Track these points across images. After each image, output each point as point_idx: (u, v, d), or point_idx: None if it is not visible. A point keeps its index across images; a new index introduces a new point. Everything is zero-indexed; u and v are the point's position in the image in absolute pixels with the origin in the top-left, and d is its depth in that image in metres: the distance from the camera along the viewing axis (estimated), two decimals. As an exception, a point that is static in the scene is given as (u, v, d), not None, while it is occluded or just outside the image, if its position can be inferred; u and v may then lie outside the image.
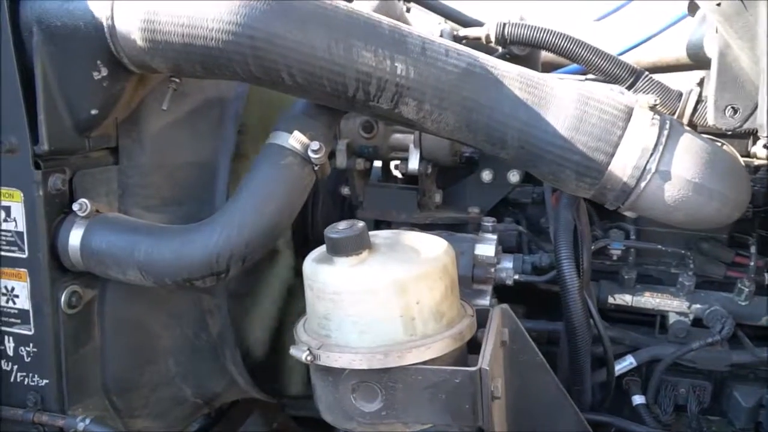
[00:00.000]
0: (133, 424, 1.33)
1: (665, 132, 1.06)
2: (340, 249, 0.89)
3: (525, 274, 1.34)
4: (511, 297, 1.48)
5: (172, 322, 1.34)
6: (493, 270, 1.29)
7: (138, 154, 1.23)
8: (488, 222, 1.36)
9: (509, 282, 1.31)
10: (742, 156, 1.49)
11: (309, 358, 0.90)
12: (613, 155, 1.05)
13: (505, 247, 1.42)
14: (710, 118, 1.14)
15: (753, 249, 1.31)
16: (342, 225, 0.92)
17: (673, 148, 1.05)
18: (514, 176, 1.48)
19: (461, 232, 1.42)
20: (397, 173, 1.67)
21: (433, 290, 0.90)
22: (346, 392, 0.90)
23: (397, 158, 1.45)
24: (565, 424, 1.10)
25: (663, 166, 1.05)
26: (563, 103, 1.07)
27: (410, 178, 1.62)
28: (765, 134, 0.95)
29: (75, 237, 1.11)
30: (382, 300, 0.88)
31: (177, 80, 1.14)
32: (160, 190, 1.28)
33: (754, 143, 1.54)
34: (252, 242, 1.08)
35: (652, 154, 1.04)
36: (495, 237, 1.32)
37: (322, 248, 0.96)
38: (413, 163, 1.38)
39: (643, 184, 1.06)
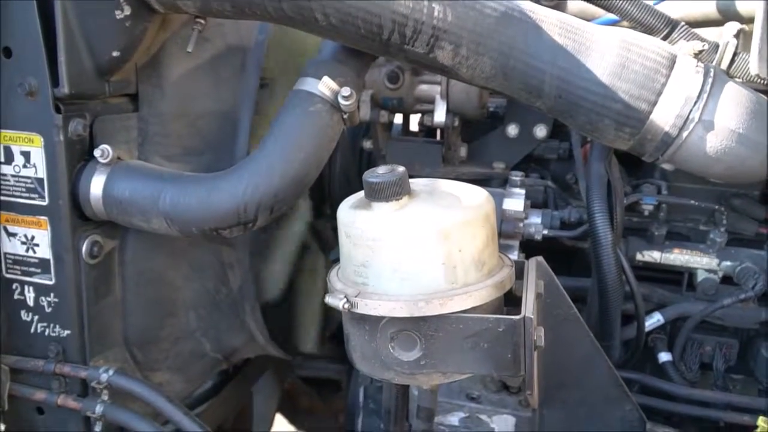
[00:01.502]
0: (153, 376, 1.31)
1: (710, 80, 1.02)
2: (379, 194, 0.86)
3: (554, 229, 1.31)
4: (536, 254, 1.46)
5: (193, 275, 1.32)
6: (521, 225, 1.26)
7: (159, 101, 1.19)
8: (517, 176, 1.33)
9: (538, 237, 1.28)
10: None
11: (347, 306, 0.87)
12: (655, 104, 1.02)
13: (531, 203, 1.39)
14: (753, 67, 1.10)
15: (788, 205, 1.28)
16: (381, 169, 0.88)
17: (718, 97, 1.02)
18: (540, 131, 1.45)
19: (488, 187, 1.39)
20: (415, 128, 1.64)
21: (475, 238, 0.87)
22: (384, 341, 0.88)
23: (423, 111, 1.41)
24: (598, 378, 1.09)
25: (707, 116, 1.01)
26: (604, 49, 1.03)
27: (431, 133, 1.58)
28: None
29: (97, 184, 1.08)
30: (424, 247, 0.85)
31: (202, 21, 1.10)
32: (181, 139, 1.24)
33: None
34: (280, 192, 1.05)
35: (696, 103, 1.01)
36: (523, 191, 1.29)
37: (359, 194, 0.93)
38: (440, 116, 1.34)
39: (685, 134, 1.02)
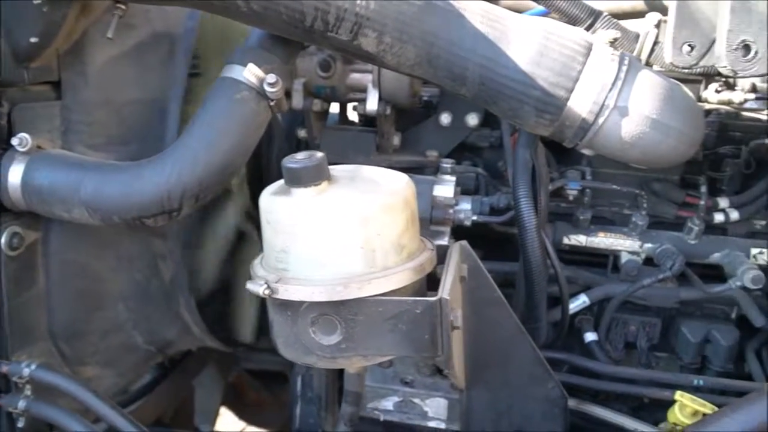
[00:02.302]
0: (83, 371, 1.29)
1: (624, 68, 1.05)
2: (298, 179, 0.87)
3: (483, 215, 1.34)
4: (469, 240, 1.49)
5: (121, 266, 1.30)
6: (451, 211, 1.28)
7: (82, 89, 1.17)
8: (447, 164, 1.35)
9: (467, 223, 1.30)
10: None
11: (267, 292, 0.87)
12: (572, 90, 1.05)
13: (463, 190, 1.41)
14: (667, 55, 1.15)
15: (703, 189, 1.34)
16: (300, 155, 0.89)
17: (632, 83, 1.05)
18: (472, 119, 1.47)
19: (419, 175, 1.40)
20: (354, 119, 1.64)
21: (394, 222, 0.89)
22: (305, 326, 0.89)
23: (355, 99, 1.41)
24: (522, 358, 1.12)
25: (621, 102, 1.05)
26: (524, 37, 1.05)
27: (368, 123, 1.59)
28: (723, 64, 0.95)
29: (15, 173, 1.05)
30: (342, 232, 0.86)
31: (122, 7, 1.08)
32: (106, 128, 1.22)
33: (706, 87, 1.57)
34: (205, 179, 1.05)
35: (610, 90, 1.04)
36: (453, 178, 1.31)
37: (280, 181, 0.93)
38: (372, 104, 1.35)
39: (601, 120, 1.06)
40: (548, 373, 1.13)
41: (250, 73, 1.06)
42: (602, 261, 1.44)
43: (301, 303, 0.88)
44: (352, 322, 0.87)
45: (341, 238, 0.86)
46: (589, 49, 1.06)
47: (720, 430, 1.03)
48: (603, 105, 1.05)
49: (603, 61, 1.05)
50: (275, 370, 2.35)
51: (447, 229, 1.30)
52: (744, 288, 1.29)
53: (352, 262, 0.87)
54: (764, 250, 1.36)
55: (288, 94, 1.39)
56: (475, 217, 1.31)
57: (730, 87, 1.56)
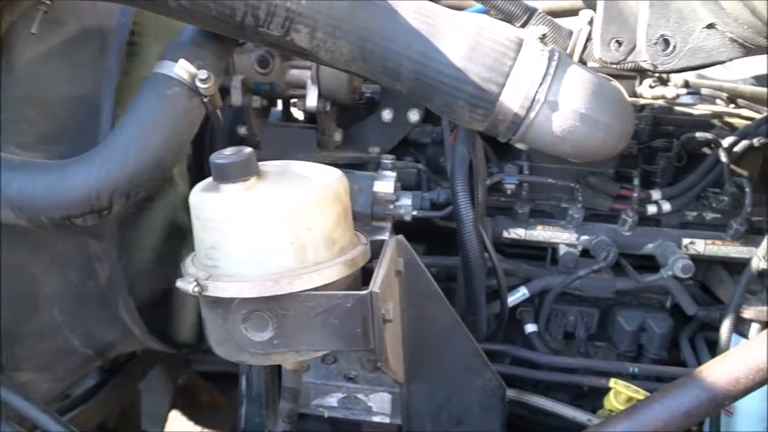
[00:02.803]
0: (18, 377, 1.26)
1: (554, 63, 1.08)
2: (226, 175, 0.86)
3: (423, 210, 1.35)
4: (414, 235, 1.50)
5: (56, 268, 1.27)
6: (391, 206, 1.29)
7: (9, 86, 1.14)
8: (387, 160, 1.35)
9: (407, 218, 1.31)
10: (629, 96, 1.56)
11: (196, 289, 0.87)
12: (503, 86, 1.07)
13: (405, 186, 1.42)
14: (596, 51, 1.18)
15: (636, 182, 1.37)
16: (228, 151, 0.88)
17: (561, 78, 1.08)
18: (414, 115, 1.48)
19: (361, 171, 1.41)
20: (299, 116, 1.63)
21: (324, 217, 0.89)
22: (237, 323, 0.88)
23: (295, 96, 1.41)
24: (459, 350, 1.13)
25: (551, 97, 1.07)
26: (457, 33, 1.07)
27: (311, 120, 1.58)
28: (643, 59, 0.98)
29: (-64, 174, 1.02)
30: (271, 227, 0.86)
31: (47, 2, 1.05)
32: (36, 126, 1.19)
33: (641, 83, 1.62)
34: (136, 177, 1.03)
35: (540, 85, 1.06)
36: (394, 174, 1.32)
37: (210, 178, 0.92)
38: (311, 100, 1.34)
39: (532, 115, 1.08)
40: (485, 364, 1.14)
41: (182, 69, 1.05)
42: (542, 254, 1.47)
43: (232, 300, 0.87)
44: (283, 318, 0.87)
45: (270, 233, 0.86)
46: (519, 45, 1.08)
47: (649, 415, 1.07)
48: (534, 100, 1.07)
49: (533, 57, 1.07)
50: (228, 372, 2.32)
51: (388, 225, 1.31)
52: (675, 277, 1.33)
53: (283, 258, 0.87)
54: (695, 240, 1.40)
55: (227, 91, 1.38)
56: (415, 212, 1.32)
57: (663, 82, 1.61)
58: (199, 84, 1.05)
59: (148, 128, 1.04)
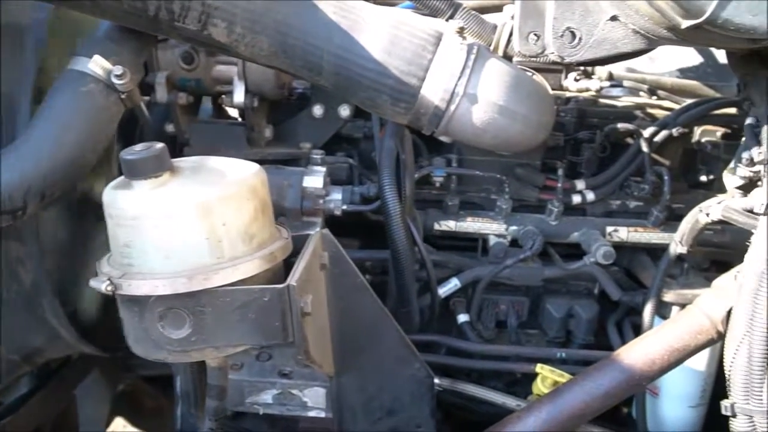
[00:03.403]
0: (-63, 385, 1.21)
1: (472, 56, 1.09)
2: (137, 171, 0.85)
3: (354, 204, 1.36)
4: (349, 230, 1.51)
5: (-25, 273, 1.23)
6: (321, 201, 1.29)
7: None
8: (317, 155, 1.36)
9: (338, 212, 1.32)
10: (555, 89, 1.60)
11: (109, 288, 0.85)
12: (424, 79, 1.08)
13: (337, 181, 1.42)
14: (515, 45, 1.20)
15: (560, 172, 1.41)
16: (139, 146, 0.87)
17: (480, 71, 1.10)
18: (344, 111, 1.49)
19: (294, 167, 1.40)
20: (234, 113, 1.62)
21: (240, 211, 0.88)
22: (153, 321, 0.87)
23: (223, 92, 1.39)
24: (388, 341, 1.14)
25: (470, 89, 1.09)
26: (376, 27, 1.08)
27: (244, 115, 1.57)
28: (551, 51, 1.00)
29: None
30: (184, 223, 0.85)
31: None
32: (-53, 125, 1.15)
33: (566, 77, 1.66)
34: (50, 176, 1.00)
35: (459, 78, 1.08)
36: (323, 169, 1.33)
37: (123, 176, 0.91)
38: (238, 96, 1.34)
39: (452, 108, 1.09)
40: (414, 355, 1.16)
41: (96, 64, 1.03)
42: (473, 245, 1.49)
43: (148, 297, 0.86)
44: (200, 315, 0.87)
45: (184, 229, 0.85)
46: (439, 38, 1.09)
47: (570, 397, 1.10)
48: (453, 93, 1.08)
49: (452, 50, 1.09)
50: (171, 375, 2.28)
51: (318, 220, 1.31)
52: (597, 263, 1.37)
53: (198, 254, 0.86)
54: (619, 228, 1.44)
55: (152, 87, 1.36)
56: (345, 207, 1.33)
57: (588, 75, 1.65)
58: (114, 80, 1.04)
59: (62, 126, 1.01)
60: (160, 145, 0.87)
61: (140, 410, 2.55)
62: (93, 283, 0.87)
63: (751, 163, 1.02)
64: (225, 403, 1.06)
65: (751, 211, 1.00)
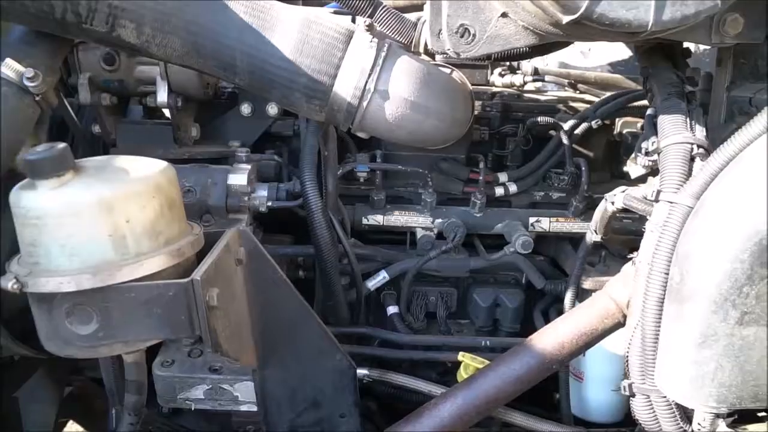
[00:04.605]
0: None
1: (383, 53, 1.13)
2: (39, 171, 0.86)
3: (279, 200, 1.38)
4: (282, 227, 1.53)
5: None
6: (246, 198, 1.31)
7: None
8: (241, 152, 1.38)
9: (263, 209, 1.34)
10: (482, 84, 1.65)
11: (15, 286, 0.86)
12: (335, 77, 1.11)
13: (265, 178, 1.44)
14: (428, 42, 1.23)
15: (481, 165, 1.45)
16: (41, 147, 0.88)
17: (390, 68, 1.13)
18: (272, 109, 1.51)
19: (222, 165, 1.42)
20: (165, 112, 1.63)
21: (144, 208, 0.90)
22: (61, 317, 0.88)
23: (147, 92, 1.41)
24: (309, 334, 1.17)
25: (381, 86, 1.12)
26: (288, 26, 1.10)
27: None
28: (447, 47, 1.04)
29: None
30: (87, 221, 0.86)
31: None
32: None
33: (492, 72, 1.70)
34: None
35: (370, 75, 1.11)
36: (248, 167, 1.34)
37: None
38: (161, 96, 1.35)
39: (365, 104, 1.13)
40: (335, 346, 1.18)
41: (8, 67, 1.04)
42: (402, 239, 1.53)
43: (54, 295, 0.87)
44: (106, 310, 0.88)
45: (87, 227, 0.86)
46: (349, 36, 1.12)
47: (484, 382, 1.14)
48: (364, 89, 1.12)
49: (362, 48, 1.12)
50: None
51: (244, 217, 1.33)
52: (517, 253, 1.41)
53: (102, 251, 0.88)
54: (541, 218, 1.49)
55: (75, 89, 1.37)
56: (270, 203, 1.35)
57: (513, 71, 1.70)
58: (27, 82, 1.05)
59: (-27, 129, 1.02)
60: (62, 145, 0.88)
61: (91, 412, 2.53)
62: (1, 281, 0.88)
63: (649, 152, 1.07)
64: (144, 398, 1.07)
65: (647, 199, 1.05)
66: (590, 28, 0.85)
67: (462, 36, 0.98)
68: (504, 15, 0.94)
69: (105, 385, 1.21)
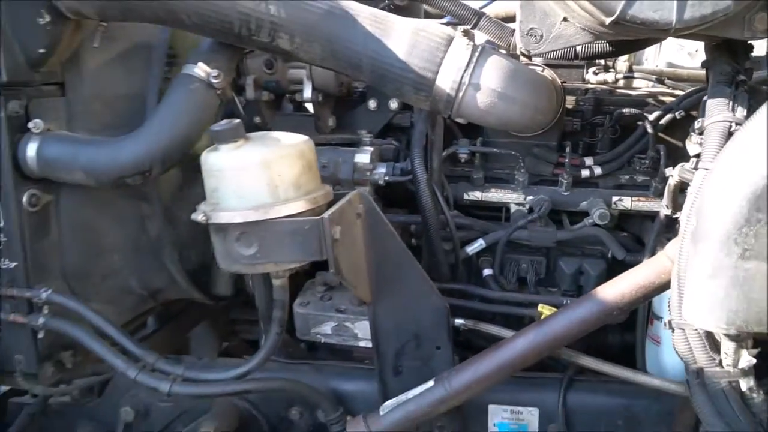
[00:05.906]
0: (89, 306, 1.66)
1: (476, 54, 1.41)
2: (221, 138, 1.24)
3: (395, 176, 1.69)
4: (400, 202, 1.84)
5: (116, 224, 1.67)
6: (368, 173, 1.64)
7: (80, 87, 1.55)
8: (366, 137, 1.71)
9: (381, 182, 1.66)
10: (578, 82, 1.87)
11: (203, 218, 1.24)
12: (437, 73, 1.40)
13: (386, 159, 1.76)
14: (518, 43, 1.49)
15: (567, 149, 1.67)
16: (223, 122, 1.26)
17: (482, 65, 1.40)
18: (393, 104, 1.82)
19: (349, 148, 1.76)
20: (309, 106, 2.01)
21: (292, 167, 1.25)
22: (232, 242, 1.25)
23: (296, 90, 1.79)
24: (411, 278, 1.46)
25: (474, 80, 1.40)
26: (401, 34, 1.41)
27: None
28: (520, 46, 1.29)
29: (31, 149, 1.42)
30: (252, 173, 1.22)
31: (104, 24, 1.47)
32: (101, 117, 1.59)
33: (587, 71, 1.91)
34: (168, 149, 1.43)
35: (465, 70, 1.39)
36: (371, 149, 1.68)
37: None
38: (307, 93, 1.72)
39: (461, 95, 1.41)
40: (433, 288, 1.47)
41: (200, 69, 1.44)
42: (498, 214, 1.79)
43: (228, 225, 1.24)
44: (263, 238, 1.24)
45: (252, 178, 1.23)
46: (450, 40, 1.41)
47: (554, 323, 1.37)
48: (460, 82, 1.40)
49: (460, 49, 1.41)
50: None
51: (367, 189, 1.66)
52: (596, 224, 1.62)
53: (262, 195, 1.23)
54: (623, 197, 1.69)
55: (243, 88, 1.77)
56: (387, 177, 1.67)
57: (606, 69, 1.90)
58: (212, 80, 1.44)
59: (176, 114, 1.44)
60: (237, 120, 1.25)
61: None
62: (193, 216, 1.26)
63: (699, 132, 1.26)
64: (286, 315, 1.42)
65: (694, 169, 1.24)
66: (627, 26, 1.08)
67: (532, 37, 1.23)
68: (565, 19, 1.19)
69: (256, 304, 1.56)
